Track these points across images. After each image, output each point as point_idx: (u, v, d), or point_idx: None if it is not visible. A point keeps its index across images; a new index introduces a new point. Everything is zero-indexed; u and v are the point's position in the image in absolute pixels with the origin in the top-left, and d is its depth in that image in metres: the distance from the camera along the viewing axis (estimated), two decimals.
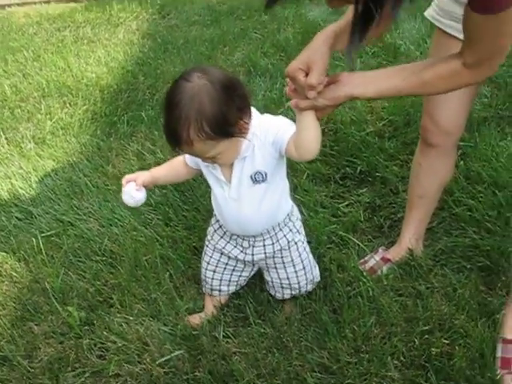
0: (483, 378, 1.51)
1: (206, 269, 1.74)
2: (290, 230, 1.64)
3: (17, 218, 2.26)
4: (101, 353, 1.71)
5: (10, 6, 4.45)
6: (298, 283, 1.72)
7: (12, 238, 2.15)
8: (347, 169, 2.30)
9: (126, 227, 2.11)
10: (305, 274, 1.72)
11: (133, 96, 3.00)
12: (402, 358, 1.60)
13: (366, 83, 1.29)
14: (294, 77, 1.28)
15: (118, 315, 1.80)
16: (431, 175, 1.85)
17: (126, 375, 1.64)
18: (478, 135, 2.41)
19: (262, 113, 1.49)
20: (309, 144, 1.37)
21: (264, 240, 1.63)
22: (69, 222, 2.19)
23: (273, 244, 1.63)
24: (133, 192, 1.58)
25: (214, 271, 1.74)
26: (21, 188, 2.42)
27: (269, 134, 1.44)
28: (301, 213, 1.98)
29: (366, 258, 1.95)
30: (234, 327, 1.73)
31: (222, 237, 1.68)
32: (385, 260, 1.93)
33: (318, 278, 1.79)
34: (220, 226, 1.68)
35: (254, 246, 1.64)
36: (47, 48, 3.68)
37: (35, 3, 4.46)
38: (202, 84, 1.30)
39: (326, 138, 2.39)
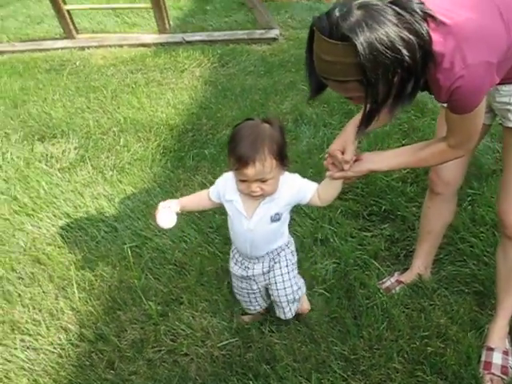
0: (466, 372, 1.97)
1: (236, 294, 2.14)
2: (283, 250, 1.97)
3: (104, 231, 2.79)
4: (173, 337, 2.21)
5: (89, 48, 5.06)
6: (286, 297, 2.02)
7: (102, 247, 2.69)
8: (374, 207, 2.75)
9: (193, 243, 2.61)
10: (292, 291, 2.01)
11: (197, 135, 3.51)
12: (405, 355, 2.06)
13: (381, 161, 1.78)
14: (334, 155, 1.77)
15: (187, 311, 2.30)
16: (437, 216, 2.27)
17: (192, 355, 2.14)
18: (486, 185, 2.84)
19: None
20: (331, 197, 1.87)
21: (263, 262, 1.96)
22: (146, 236, 2.70)
23: (269, 260, 1.97)
24: (168, 216, 1.86)
25: (239, 295, 2.12)
26: (106, 207, 2.96)
27: (294, 186, 1.85)
28: (333, 241, 2.49)
29: (383, 280, 2.40)
30: (277, 325, 2.21)
31: (235, 263, 2.03)
32: (398, 282, 2.37)
33: (300, 294, 2.09)
34: (234, 255, 2.05)
35: (255, 263, 1.97)
36: (123, 88, 4.24)
37: (110, 46, 5.06)
38: (266, 124, 1.75)
39: (359, 181, 2.88)
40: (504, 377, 2.00)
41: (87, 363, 2.13)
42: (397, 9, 1.41)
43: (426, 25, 1.45)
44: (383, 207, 2.74)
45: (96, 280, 2.49)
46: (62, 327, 2.28)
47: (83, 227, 2.83)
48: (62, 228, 2.84)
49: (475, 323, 2.16)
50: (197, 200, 2.01)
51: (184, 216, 2.75)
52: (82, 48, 5.07)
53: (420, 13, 1.44)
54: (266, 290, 2.09)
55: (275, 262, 1.98)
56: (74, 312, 2.34)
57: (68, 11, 5.06)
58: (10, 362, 2.17)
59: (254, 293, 2.08)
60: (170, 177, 3.15)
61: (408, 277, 2.39)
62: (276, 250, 1.96)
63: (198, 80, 4.25)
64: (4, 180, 3.30)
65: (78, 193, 3.11)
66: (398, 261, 2.51)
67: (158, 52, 4.82)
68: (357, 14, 1.37)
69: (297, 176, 1.90)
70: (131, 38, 5.11)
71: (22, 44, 5.35)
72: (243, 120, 1.79)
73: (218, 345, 2.15)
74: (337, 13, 1.39)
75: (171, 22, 5.22)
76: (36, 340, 2.24)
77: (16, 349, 2.21)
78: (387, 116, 1.63)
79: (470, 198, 2.74)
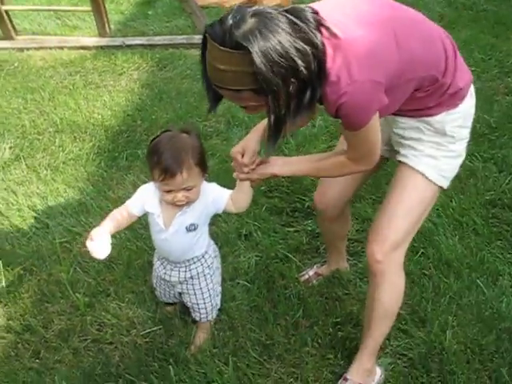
0: None
1: (153, 281, 2.24)
2: (201, 264, 2.05)
3: (36, 227, 2.85)
4: (99, 327, 2.30)
5: (28, 49, 5.05)
6: (205, 308, 2.14)
7: (33, 242, 2.74)
8: (297, 204, 2.90)
9: (122, 238, 2.69)
10: (210, 300, 2.13)
11: (131, 136, 3.59)
12: (319, 341, 2.21)
13: (284, 165, 1.79)
14: (234, 157, 1.81)
15: (114, 302, 2.39)
16: (331, 234, 2.37)
17: (117, 343, 2.23)
18: None
19: None
20: (244, 203, 1.93)
21: (180, 267, 2.05)
22: (77, 232, 2.77)
23: (185, 271, 2.05)
24: (107, 242, 1.80)
25: (155, 283, 2.21)
26: (39, 205, 3.01)
27: (208, 196, 1.91)
28: (257, 236, 2.63)
29: (303, 272, 2.54)
30: None
31: (158, 259, 2.13)
32: (317, 274, 2.51)
33: (219, 306, 2.22)
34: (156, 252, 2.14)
35: (172, 270, 2.06)
36: (61, 90, 4.27)
37: (50, 48, 5.06)
38: (184, 134, 1.83)
39: (284, 179, 3.03)
40: None
41: (13, 353, 2.20)
42: (291, 17, 1.42)
43: (320, 35, 1.46)
44: (307, 204, 2.89)
45: (25, 274, 2.56)
46: None
47: (15, 224, 2.88)
48: None
49: None
50: (115, 221, 1.94)
51: None
52: (21, 49, 5.05)
53: (313, 22, 1.45)
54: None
55: (191, 276, 2.06)
56: (2, 305, 2.40)
57: (6, 12, 5.04)
58: None
59: (170, 292, 2.19)
60: (103, 176, 3.23)
61: (326, 270, 2.52)
62: (192, 259, 2.03)
63: (136, 83, 4.33)
64: None
65: (12, 191, 3.15)
66: (318, 254, 2.66)
67: (97, 55, 4.86)
68: (250, 21, 1.37)
69: (213, 185, 1.96)
70: (71, 41, 5.13)
71: None
72: (160, 132, 1.86)
73: (142, 333, 2.25)
74: (230, 20, 1.38)
75: (112, 26, 5.27)
76: None
77: None
78: (291, 127, 1.59)
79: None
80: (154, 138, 1.84)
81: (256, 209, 2.86)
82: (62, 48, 5.05)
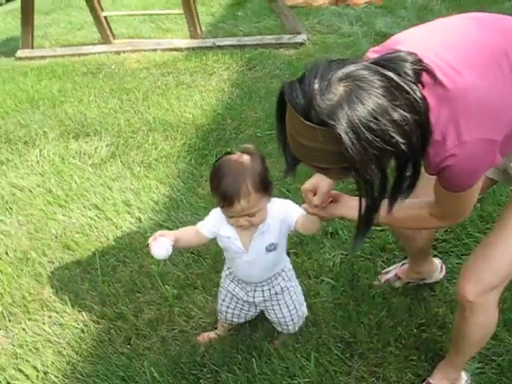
0: None
1: (222, 304, 2.14)
2: (283, 279, 2.03)
3: (129, 221, 2.99)
4: (186, 318, 2.37)
5: (124, 52, 5.31)
6: (292, 320, 2.10)
7: (126, 236, 2.88)
8: None
9: None
10: (296, 312, 2.10)
11: (221, 134, 3.68)
12: (402, 341, 2.17)
13: (356, 209, 1.43)
14: (305, 195, 1.66)
15: (201, 295, 2.47)
16: (413, 245, 2.18)
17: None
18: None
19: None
20: (311, 231, 1.85)
21: (263, 286, 2.01)
22: (168, 227, 2.87)
23: (269, 289, 2.02)
24: (167, 244, 1.79)
25: (228, 307, 2.13)
26: (132, 200, 3.15)
27: (280, 214, 1.83)
28: (343, 234, 2.63)
29: (386, 270, 2.46)
30: None
31: (231, 281, 2.07)
32: (397, 277, 2.41)
33: (305, 313, 2.19)
34: (230, 273, 2.07)
35: (255, 291, 2.02)
36: (154, 90, 4.46)
37: (145, 50, 5.29)
38: (245, 156, 1.71)
39: None
40: None
41: (106, 338, 2.32)
42: (388, 74, 1.14)
43: (419, 88, 1.17)
44: None
45: (119, 265, 2.69)
46: (85, 306, 2.48)
47: (110, 218, 3.03)
48: (90, 218, 3.05)
49: None
50: (189, 237, 1.95)
51: (201, 208, 2.92)
52: (118, 52, 5.32)
53: (412, 75, 1.17)
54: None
55: (276, 293, 2.03)
56: (97, 293, 2.54)
57: (105, 18, 5.32)
58: (38, 335, 2.37)
59: (246, 310, 2.14)
60: (193, 173, 3.33)
61: (406, 273, 2.38)
62: (274, 275, 2.01)
63: (226, 82, 4.44)
64: (40, 174, 3.53)
65: (107, 186, 3.31)
66: (405, 252, 2.60)
67: (189, 56, 5.02)
68: (339, 90, 1.12)
69: (283, 202, 1.87)
70: (164, 43, 5.33)
71: (62, 49, 5.64)
72: (223, 154, 1.78)
73: (226, 325, 2.30)
74: (315, 86, 1.12)
75: (203, 28, 5.42)
76: (62, 317, 2.44)
77: (44, 324, 2.42)
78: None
79: (479, 196, 2.82)
80: (217, 160, 1.77)
81: None
82: (155, 50, 5.27)
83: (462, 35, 1.37)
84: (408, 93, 1.14)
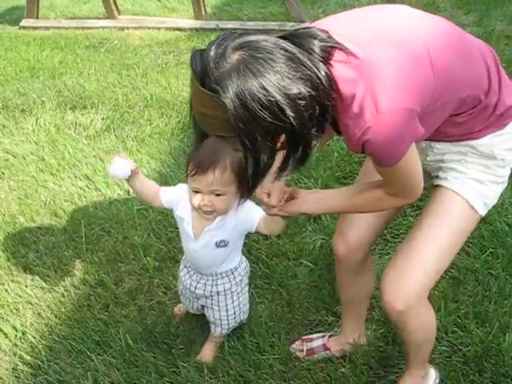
0: None
1: (179, 290, 2.17)
2: (229, 281, 2.00)
3: (118, 193, 3.04)
4: (165, 290, 2.43)
5: (128, 28, 5.32)
6: (228, 325, 2.09)
7: (113, 207, 2.93)
8: None
9: None
10: (234, 318, 2.08)
11: None
12: (373, 326, 2.23)
13: (316, 203, 1.56)
14: (261, 199, 1.59)
15: None
16: (350, 287, 1.96)
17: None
18: None
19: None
20: (274, 230, 1.83)
21: (207, 280, 2.00)
22: None
23: (212, 286, 1.99)
24: (127, 168, 1.78)
25: (181, 293, 2.15)
26: None
27: (241, 214, 1.82)
28: (325, 220, 2.67)
29: (312, 336, 2.17)
30: (261, 288, 2.41)
31: (185, 266, 2.08)
32: (325, 348, 2.12)
33: (243, 322, 2.16)
34: (185, 258, 2.08)
35: (198, 282, 2.01)
36: (154, 68, 4.48)
37: (148, 28, 5.30)
38: None
39: (354, 164, 3.04)
40: None
41: (85, 304, 2.37)
42: (290, 48, 1.16)
43: (325, 66, 1.20)
44: None
45: (103, 235, 2.74)
46: (68, 272, 2.53)
47: (99, 188, 3.08)
48: (80, 188, 3.10)
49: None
50: (150, 186, 1.96)
51: None
52: (122, 28, 5.32)
53: (318, 51, 1.19)
54: None
55: (218, 292, 2.01)
56: (80, 260, 2.59)
57: None
58: (20, 296, 2.43)
59: (194, 303, 2.13)
60: (185, 150, 3.36)
61: (337, 345, 2.12)
62: (221, 274, 1.99)
63: None
64: (35, 142, 3.57)
65: (100, 158, 3.36)
66: (385, 240, 2.63)
67: (191, 36, 5.05)
68: (233, 58, 1.13)
69: (247, 203, 1.79)
70: (168, 22, 5.35)
71: (66, 21, 5.64)
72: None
73: None
74: (211, 53, 1.15)
75: (208, 10, 5.43)
76: (44, 281, 2.49)
77: (26, 286, 2.48)
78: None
79: None
80: None
81: None
82: (159, 28, 5.28)
83: (379, 21, 1.38)
84: (309, 69, 1.16)
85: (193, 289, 2.05)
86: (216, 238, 1.87)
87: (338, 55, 1.24)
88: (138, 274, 2.51)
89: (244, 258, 2.10)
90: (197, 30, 5.18)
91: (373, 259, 2.06)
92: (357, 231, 1.78)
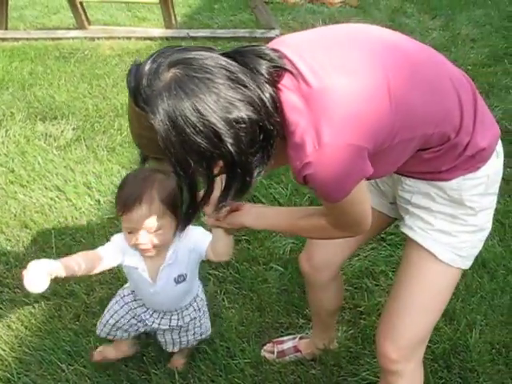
0: None
1: (112, 316, 1.96)
2: (194, 310, 1.94)
3: (88, 203, 3.03)
4: None
5: (98, 38, 5.31)
6: (192, 345, 2.07)
7: (84, 217, 2.93)
8: None
9: None
10: (200, 337, 2.05)
11: None
12: (343, 328, 2.27)
13: (258, 218, 1.44)
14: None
15: None
16: (317, 303, 1.94)
17: None
18: None
19: None
20: (222, 250, 1.64)
21: (172, 315, 1.92)
22: None
23: (178, 320, 1.93)
24: (43, 278, 1.57)
25: (118, 321, 1.96)
26: (93, 183, 3.19)
27: (189, 243, 1.71)
28: None
29: (283, 338, 2.19)
30: (231, 294, 2.43)
31: (135, 299, 1.93)
32: (296, 349, 2.14)
33: (208, 337, 2.11)
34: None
35: (162, 318, 1.93)
36: (124, 77, 4.42)
37: (119, 38, 5.30)
38: (159, 174, 1.59)
39: None
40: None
41: (56, 315, 2.36)
42: (232, 68, 1.06)
43: (270, 88, 1.09)
44: None
45: (74, 245, 2.73)
46: None
47: (70, 199, 3.07)
48: (50, 199, 3.09)
49: None
50: (86, 259, 1.75)
51: None
52: (92, 39, 5.31)
53: (265, 74, 1.09)
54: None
55: (183, 323, 1.95)
56: None
57: (81, 3, 5.30)
58: None
59: (137, 330, 2.02)
60: None
61: (307, 347, 2.14)
62: (185, 306, 1.93)
63: None
64: (5, 154, 3.54)
65: (70, 169, 3.35)
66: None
67: (162, 45, 4.92)
68: (167, 76, 1.04)
69: (195, 229, 1.72)
70: (139, 32, 5.36)
71: (36, 32, 5.60)
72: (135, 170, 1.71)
73: None
74: (146, 68, 1.07)
75: (179, 18, 5.46)
76: (14, 293, 2.48)
77: None
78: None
79: None
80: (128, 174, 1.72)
81: (297, 198, 2.94)
82: (129, 38, 5.29)
83: (341, 45, 1.24)
84: (252, 90, 1.06)
85: (155, 326, 1.95)
86: (173, 274, 1.78)
87: (288, 80, 1.15)
88: (110, 283, 2.51)
89: (199, 281, 2.00)
90: (167, 38, 5.20)
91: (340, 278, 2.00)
92: (323, 252, 1.73)
